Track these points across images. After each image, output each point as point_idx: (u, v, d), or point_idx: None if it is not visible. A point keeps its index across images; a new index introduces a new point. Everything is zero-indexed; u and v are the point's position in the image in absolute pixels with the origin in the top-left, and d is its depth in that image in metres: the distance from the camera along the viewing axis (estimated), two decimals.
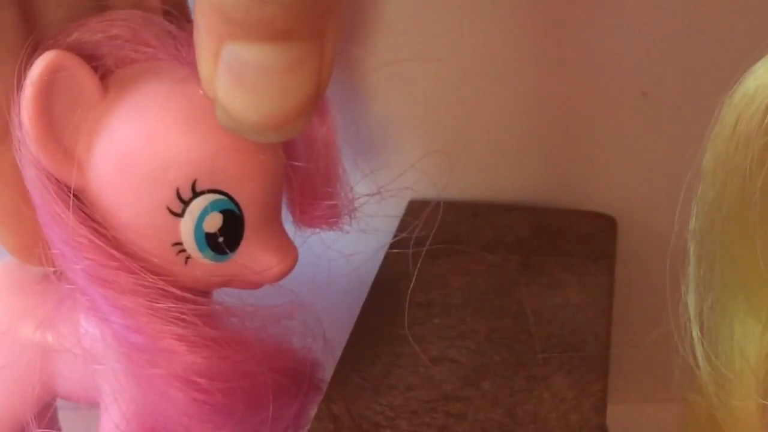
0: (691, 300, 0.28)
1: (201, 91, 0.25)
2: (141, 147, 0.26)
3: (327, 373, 0.33)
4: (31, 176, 0.26)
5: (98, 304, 0.27)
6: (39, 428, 0.31)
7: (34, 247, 0.28)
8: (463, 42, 0.40)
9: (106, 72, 0.27)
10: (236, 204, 0.27)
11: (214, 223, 0.26)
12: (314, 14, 0.23)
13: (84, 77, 0.25)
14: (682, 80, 0.40)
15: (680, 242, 0.29)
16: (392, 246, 0.40)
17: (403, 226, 0.41)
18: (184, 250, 0.27)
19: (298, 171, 0.30)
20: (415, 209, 0.42)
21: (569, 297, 0.36)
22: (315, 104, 0.25)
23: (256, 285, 0.29)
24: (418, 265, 0.38)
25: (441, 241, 0.40)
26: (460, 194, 0.43)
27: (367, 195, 0.37)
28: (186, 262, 0.27)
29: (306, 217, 0.31)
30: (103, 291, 0.26)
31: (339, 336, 0.35)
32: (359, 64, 0.41)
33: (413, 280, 0.37)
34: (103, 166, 0.26)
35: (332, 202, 0.32)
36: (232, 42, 0.23)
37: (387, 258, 0.39)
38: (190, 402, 0.27)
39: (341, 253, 0.44)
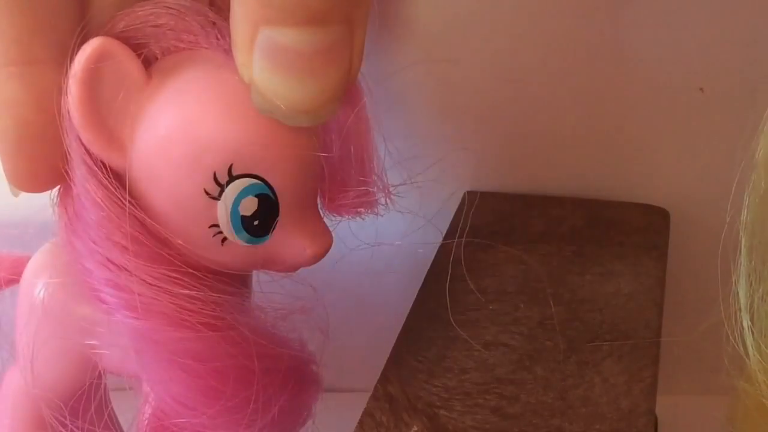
0: (742, 290, 0.29)
1: (238, 78, 0.26)
2: (180, 132, 0.26)
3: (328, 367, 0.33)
4: (77, 158, 0.27)
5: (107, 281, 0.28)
6: (92, 401, 0.32)
7: (41, 175, 0.28)
8: (520, 36, 0.40)
9: (152, 59, 0.28)
10: (271, 188, 0.27)
11: (249, 206, 0.27)
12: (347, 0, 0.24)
13: (128, 63, 0.26)
14: (740, 76, 0.40)
15: (732, 234, 0.29)
16: (448, 235, 0.40)
17: (458, 216, 0.42)
18: (220, 232, 0.27)
19: (328, 160, 0.30)
20: (470, 200, 0.43)
21: (621, 286, 0.36)
22: (346, 89, 0.26)
23: (292, 268, 0.30)
24: (473, 254, 0.39)
25: (495, 231, 0.41)
26: (515, 186, 0.44)
27: (409, 183, 0.38)
28: (222, 244, 0.28)
29: (334, 205, 0.31)
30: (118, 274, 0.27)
31: (396, 320, 0.36)
32: (413, 57, 0.42)
33: (468, 268, 0.38)
34: (145, 149, 0.27)
35: (363, 189, 0.32)
36: (268, 26, 0.24)
37: (443, 247, 0.40)
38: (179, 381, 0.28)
39: (398, 243, 0.45)
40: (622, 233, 0.40)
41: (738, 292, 0.29)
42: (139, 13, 0.28)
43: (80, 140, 0.27)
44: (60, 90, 0.26)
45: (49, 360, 0.32)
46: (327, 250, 0.30)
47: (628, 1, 0.39)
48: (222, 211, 0.27)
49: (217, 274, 0.28)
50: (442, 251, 0.39)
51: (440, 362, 0.33)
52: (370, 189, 0.32)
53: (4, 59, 0.26)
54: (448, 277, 0.38)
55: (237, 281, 0.29)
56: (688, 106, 0.41)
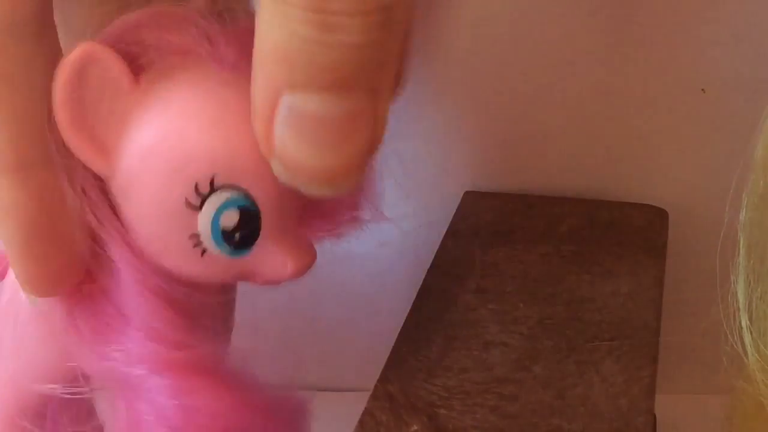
0: (741, 290, 0.29)
1: (225, 89, 0.26)
2: (164, 141, 0.26)
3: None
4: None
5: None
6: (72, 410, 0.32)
7: (55, 277, 0.28)
8: (523, 36, 0.40)
9: (143, 66, 0.27)
10: (254, 202, 0.27)
11: (230, 219, 0.27)
12: (374, 65, 0.23)
13: (114, 68, 0.26)
14: (739, 77, 0.40)
15: (730, 233, 0.29)
16: (448, 235, 0.41)
17: (458, 215, 0.42)
18: (200, 243, 0.27)
19: None
20: (470, 200, 0.43)
21: (620, 286, 0.37)
22: (369, 159, 0.25)
23: (273, 282, 0.29)
24: (473, 254, 0.39)
25: (495, 231, 0.41)
26: (515, 186, 0.44)
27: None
28: (202, 256, 0.27)
29: (312, 227, 0.31)
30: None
31: (396, 320, 0.36)
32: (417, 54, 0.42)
33: (468, 268, 0.38)
34: (129, 156, 0.27)
35: (348, 212, 0.31)
36: (291, 93, 0.23)
37: (443, 246, 0.40)
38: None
39: (399, 242, 0.45)
40: (621, 233, 0.40)
41: (736, 292, 0.29)
42: (129, 20, 0.27)
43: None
44: (61, 191, 0.27)
45: (28, 358, 0.32)
46: (309, 267, 0.29)
47: (630, 2, 0.39)
48: (203, 222, 0.27)
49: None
50: (442, 251, 0.40)
51: (440, 362, 0.33)
52: (357, 210, 0.31)
53: (2, 166, 0.26)
54: (448, 277, 0.38)
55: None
56: (687, 106, 0.41)
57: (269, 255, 0.28)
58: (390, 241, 0.45)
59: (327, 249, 0.46)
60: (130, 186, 0.27)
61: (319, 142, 0.24)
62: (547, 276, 0.37)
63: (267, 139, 0.24)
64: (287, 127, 0.24)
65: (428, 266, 0.39)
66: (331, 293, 0.47)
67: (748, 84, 0.40)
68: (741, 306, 0.29)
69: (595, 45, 0.40)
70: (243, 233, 0.27)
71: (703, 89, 0.41)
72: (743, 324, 0.29)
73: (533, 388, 0.32)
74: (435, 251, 0.40)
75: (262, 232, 0.28)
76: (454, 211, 0.42)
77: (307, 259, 0.29)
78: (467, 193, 0.44)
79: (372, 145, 0.25)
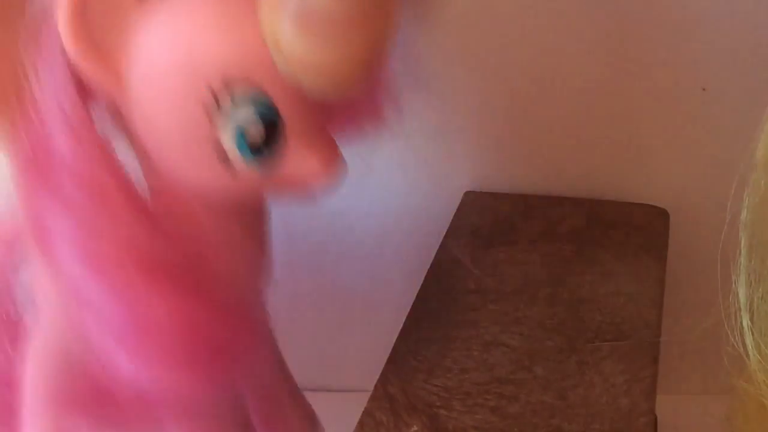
0: (742, 290, 0.29)
1: None
2: (173, 47, 0.26)
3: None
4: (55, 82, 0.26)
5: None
6: None
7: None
8: (522, 36, 0.40)
9: None
10: (271, 102, 0.26)
11: (253, 127, 0.26)
12: None
13: None
14: (740, 76, 0.40)
15: (732, 234, 0.29)
16: (448, 235, 0.40)
17: (458, 215, 0.42)
18: (227, 158, 0.26)
19: None
20: (470, 200, 0.43)
21: (621, 286, 0.37)
22: (377, 56, 0.25)
23: (304, 192, 0.28)
24: (473, 254, 0.39)
25: (496, 231, 0.41)
26: (516, 186, 0.44)
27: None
28: (230, 172, 0.27)
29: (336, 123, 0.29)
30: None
31: (396, 320, 0.36)
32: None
33: (468, 268, 0.38)
34: (141, 68, 0.26)
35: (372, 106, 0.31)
36: None
37: (443, 246, 0.40)
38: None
39: (399, 242, 0.45)
40: (622, 233, 0.40)
41: (738, 292, 0.29)
42: None
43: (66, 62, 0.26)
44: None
45: None
46: (339, 170, 0.28)
47: (631, 2, 0.39)
48: (224, 132, 0.26)
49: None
50: (442, 251, 0.39)
51: (440, 362, 0.33)
52: (378, 107, 0.31)
53: None
54: (448, 277, 0.38)
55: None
56: (688, 106, 0.41)
57: (296, 162, 0.27)
58: (390, 241, 0.45)
59: (327, 250, 0.46)
60: (143, 98, 0.26)
61: (323, 35, 0.23)
62: (547, 276, 0.37)
63: (272, 32, 0.24)
64: (292, 19, 0.23)
65: (428, 266, 0.39)
66: (331, 293, 0.47)
67: (748, 84, 0.40)
68: (742, 306, 0.29)
69: (595, 45, 0.40)
70: (266, 138, 0.26)
71: (703, 89, 0.41)
72: (744, 324, 0.29)
73: (534, 389, 0.32)
74: (435, 251, 0.39)
75: (284, 134, 0.27)
76: (454, 211, 0.42)
77: (336, 162, 0.28)
78: (467, 193, 0.44)
79: (379, 42, 0.24)
